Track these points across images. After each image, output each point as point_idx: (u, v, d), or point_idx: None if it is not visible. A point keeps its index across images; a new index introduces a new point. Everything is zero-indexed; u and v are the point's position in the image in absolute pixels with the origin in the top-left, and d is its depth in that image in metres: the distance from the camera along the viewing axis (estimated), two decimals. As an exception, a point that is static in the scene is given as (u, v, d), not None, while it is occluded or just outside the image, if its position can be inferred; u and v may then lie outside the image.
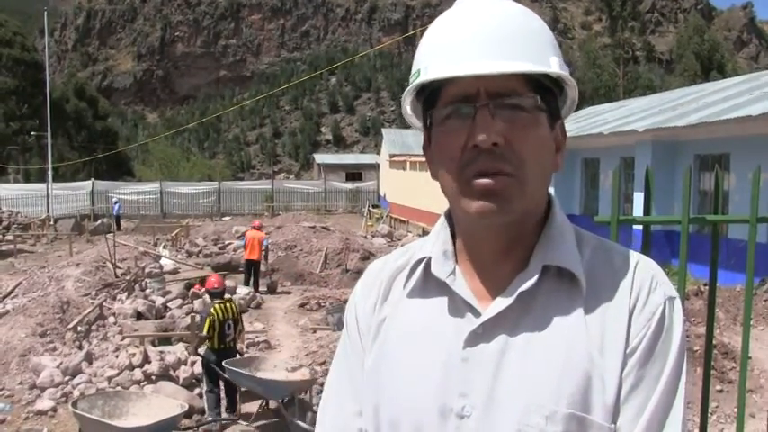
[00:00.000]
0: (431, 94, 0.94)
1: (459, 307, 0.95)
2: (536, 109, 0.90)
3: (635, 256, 0.96)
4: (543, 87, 0.91)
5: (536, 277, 0.91)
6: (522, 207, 0.90)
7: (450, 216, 1.02)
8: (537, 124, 0.90)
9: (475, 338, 0.91)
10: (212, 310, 7.25)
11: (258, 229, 14.50)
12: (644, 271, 0.94)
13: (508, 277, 0.93)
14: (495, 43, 0.88)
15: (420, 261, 1.00)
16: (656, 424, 0.87)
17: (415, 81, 0.93)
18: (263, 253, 14.26)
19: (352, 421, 1.01)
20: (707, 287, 9.40)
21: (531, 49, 0.89)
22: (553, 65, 0.90)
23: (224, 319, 7.22)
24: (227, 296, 8.13)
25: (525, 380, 0.88)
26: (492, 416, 0.88)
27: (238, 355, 7.49)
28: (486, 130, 0.87)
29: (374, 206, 35.36)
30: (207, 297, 8.45)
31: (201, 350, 7.56)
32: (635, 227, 2.18)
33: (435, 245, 1.00)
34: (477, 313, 0.93)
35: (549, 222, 0.96)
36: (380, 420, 0.96)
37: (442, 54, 0.90)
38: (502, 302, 0.91)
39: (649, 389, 0.88)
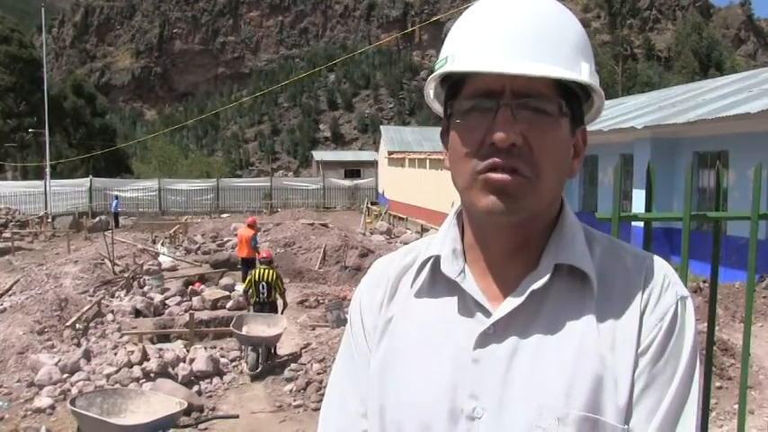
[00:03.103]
0: (455, 83, 0.92)
1: (469, 307, 0.93)
2: (559, 114, 0.88)
3: (646, 256, 0.95)
4: (570, 92, 0.89)
5: (548, 276, 0.90)
6: (532, 209, 0.89)
7: (460, 215, 1.00)
8: (558, 129, 0.89)
9: (486, 339, 0.90)
10: (254, 271, 9.61)
11: (251, 226, 14.03)
12: (656, 270, 0.92)
13: (518, 277, 0.92)
14: (527, 42, 0.86)
15: (428, 260, 0.98)
16: (669, 425, 0.86)
17: (440, 69, 0.91)
18: (255, 250, 13.98)
19: (356, 422, 0.99)
20: (706, 284, 9.42)
21: (563, 52, 0.87)
22: (583, 71, 0.88)
23: (259, 280, 9.35)
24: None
25: (536, 381, 0.87)
26: (503, 418, 0.87)
27: (279, 310, 9.53)
28: (505, 130, 0.85)
29: (373, 203, 35.33)
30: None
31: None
32: (634, 224, 2.16)
33: (444, 243, 0.98)
34: (487, 313, 0.91)
35: (560, 223, 0.95)
36: (386, 422, 0.94)
37: (472, 45, 0.88)
38: (512, 302, 0.90)
39: (662, 389, 0.86)
